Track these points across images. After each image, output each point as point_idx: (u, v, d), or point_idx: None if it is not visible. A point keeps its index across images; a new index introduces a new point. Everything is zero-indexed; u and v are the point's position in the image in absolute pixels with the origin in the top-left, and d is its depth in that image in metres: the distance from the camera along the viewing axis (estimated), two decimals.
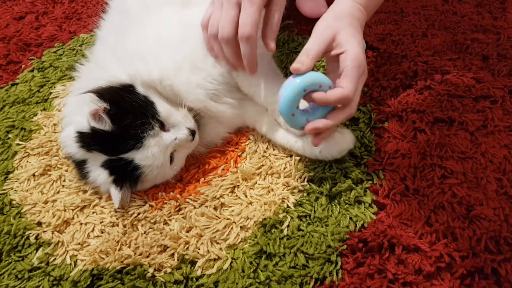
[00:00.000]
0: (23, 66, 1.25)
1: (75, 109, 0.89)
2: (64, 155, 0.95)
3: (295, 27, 1.27)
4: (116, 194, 0.87)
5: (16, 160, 1.02)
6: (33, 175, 0.98)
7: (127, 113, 0.84)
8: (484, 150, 0.92)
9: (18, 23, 1.38)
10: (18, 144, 1.05)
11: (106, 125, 0.83)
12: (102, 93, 0.85)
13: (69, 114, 0.93)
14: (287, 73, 1.13)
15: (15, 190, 0.96)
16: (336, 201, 0.88)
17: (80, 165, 0.88)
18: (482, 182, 0.87)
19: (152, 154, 0.85)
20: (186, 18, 0.98)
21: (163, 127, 0.87)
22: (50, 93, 1.16)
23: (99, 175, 0.87)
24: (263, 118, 0.99)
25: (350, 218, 0.85)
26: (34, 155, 1.02)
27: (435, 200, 0.86)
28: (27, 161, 1.02)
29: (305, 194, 0.90)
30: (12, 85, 1.21)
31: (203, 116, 0.96)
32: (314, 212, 0.86)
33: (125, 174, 0.86)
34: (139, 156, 0.85)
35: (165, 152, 0.87)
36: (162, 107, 0.88)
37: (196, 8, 0.98)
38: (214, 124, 1.00)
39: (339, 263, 0.79)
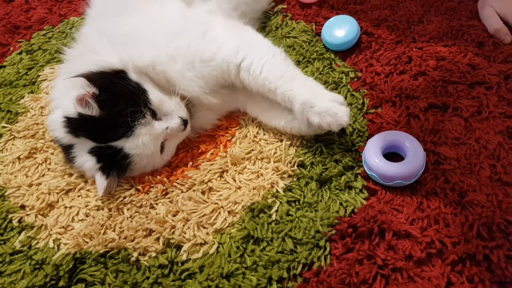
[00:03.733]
0: (11, 48, 1.23)
1: (64, 93, 0.87)
2: (50, 138, 0.93)
3: (289, 12, 1.24)
4: (101, 182, 0.85)
5: (1, 143, 1.00)
6: (18, 158, 0.96)
7: (118, 100, 0.82)
8: (478, 136, 0.90)
9: (8, 6, 1.35)
10: (3, 127, 1.03)
11: (93, 110, 0.80)
12: (92, 78, 0.82)
13: (57, 97, 0.91)
14: None
15: None
16: (326, 186, 0.86)
17: (67, 150, 0.86)
18: (476, 168, 0.86)
19: (143, 143, 0.83)
20: (191, 14, 0.97)
21: (155, 115, 0.85)
22: (38, 75, 1.14)
23: (86, 161, 0.85)
24: (254, 101, 0.97)
25: (340, 204, 0.83)
26: (20, 138, 1.00)
27: (427, 186, 0.84)
28: (13, 144, 1.00)
29: (295, 179, 0.88)
30: (0, 67, 1.18)
31: (194, 104, 0.94)
32: (304, 197, 0.84)
33: (113, 162, 0.84)
34: (129, 145, 0.82)
35: (156, 141, 0.85)
36: (155, 95, 0.85)
37: (199, 9, 0.98)
38: (206, 111, 0.98)
39: (328, 249, 0.77)
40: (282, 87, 0.87)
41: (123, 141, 0.82)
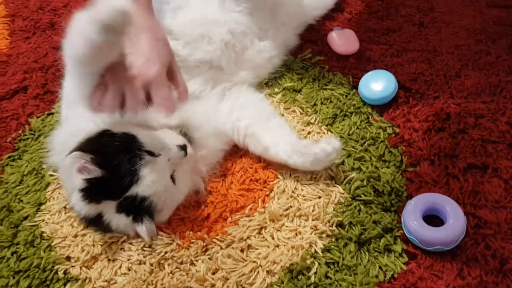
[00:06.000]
0: (59, 96, 1.28)
1: (68, 174, 0.89)
2: (82, 222, 0.95)
3: (326, 63, 1.26)
4: (141, 229, 0.87)
5: (48, 191, 1.04)
6: (64, 207, 1.00)
7: (113, 155, 0.85)
8: None
9: (57, 53, 1.42)
10: (51, 175, 1.07)
11: (96, 172, 0.83)
12: (83, 147, 0.86)
13: (66, 181, 0.94)
14: (316, 110, 1.13)
15: (46, 222, 0.98)
16: (365, 248, 0.86)
17: (99, 220, 0.89)
18: None
19: (151, 182, 0.85)
20: None
21: (152, 154, 0.87)
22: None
23: (119, 220, 0.88)
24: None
25: (380, 267, 0.83)
26: None
27: (468, 252, 0.84)
28: (59, 193, 1.03)
29: (333, 239, 0.88)
30: (48, 114, 1.24)
31: (188, 128, 0.97)
32: (343, 259, 0.85)
33: (138, 210, 0.86)
34: (140, 189, 0.85)
35: (164, 176, 0.87)
36: (144, 136, 0.88)
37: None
38: (203, 131, 1.00)
39: None
40: None
41: (134, 187, 0.85)
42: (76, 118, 0.96)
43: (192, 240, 0.91)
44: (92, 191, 0.86)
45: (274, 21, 1.23)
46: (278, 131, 1.03)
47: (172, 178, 0.90)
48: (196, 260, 0.88)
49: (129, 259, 0.90)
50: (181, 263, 0.88)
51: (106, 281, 0.87)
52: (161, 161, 0.87)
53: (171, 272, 0.87)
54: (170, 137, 0.91)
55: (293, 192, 0.98)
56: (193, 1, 1.13)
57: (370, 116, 1.10)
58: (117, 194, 0.85)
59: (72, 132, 0.92)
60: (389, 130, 1.06)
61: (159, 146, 0.88)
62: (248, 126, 1.03)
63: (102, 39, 0.80)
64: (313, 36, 1.34)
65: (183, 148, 0.89)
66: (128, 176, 0.84)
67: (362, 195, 0.94)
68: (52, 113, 1.24)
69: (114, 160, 0.84)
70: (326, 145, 0.94)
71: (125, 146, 0.86)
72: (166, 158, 0.87)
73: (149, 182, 0.85)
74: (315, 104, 1.16)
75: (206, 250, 0.90)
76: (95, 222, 0.90)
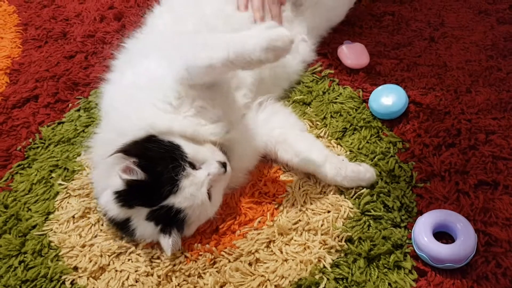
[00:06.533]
0: (70, 105, 1.29)
1: (106, 174, 0.91)
2: (106, 221, 0.96)
3: (336, 77, 1.26)
4: (166, 242, 0.87)
5: (57, 200, 1.04)
6: (73, 217, 1.00)
7: (157, 161, 0.86)
8: None
9: (68, 62, 1.43)
10: (60, 184, 1.07)
11: (138, 175, 0.84)
12: (128, 150, 0.87)
13: (100, 181, 0.95)
14: (326, 123, 1.13)
15: (54, 232, 0.98)
16: (374, 264, 0.86)
17: (125, 225, 0.89)
18: None
19: (190, 194, 0.86)
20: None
21: (193, 166, 0.88)
22: (95, 133, 1.19)
23: (146, 228, 0.88)
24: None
25: (389, 284, 0.82)
26: (75, 196, 1.04)
27: (478, 270, 0.83)
28: (68, 202, 1.04)
29: (342, 255, 0.88)
30: (59, 123, 1.24)
31: (229, 146, 0.97)
32: (352, 275, 0.84)
33: (170, 221, 0.86)
34: (178, 200, 0.85)
35: (202, 190, 0.87)
36: (188, 148, 0.89)
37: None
38: (243, 149, 1.01)
39: None
40: None
41: (172, 198, 0.85)
42: (127, 115, 0.95)
43: (200, 253, 0.91)
44: (128, 195, 0.86)
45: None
46: (310, 142, 1.06)
47: (209, 194, 0.90)
48: (204, 273, 0.88)
49: (136, 271, 0.89)
50: (189, 275, 0.87)
51: None
52: (201, 175, 0.87)
53: (178, 284, 0.87)
54: (212, 153, 0.92)
55: (302, 206, 0.97)
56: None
57: (380, 131, 1.10)
58: (154, 202, 0.85)
59: (118, 131, 0.93)
60: (399, 145, 1.06)
61: (201, 159, 0.89)
62: (281, 133, 1.05)
63: None
64: (323, 49, 1.34)
65: (224, 165, 0.90)
66: (168, 185, 0.84)
67: (372, 210, 0.94)
68: (63, 122, 1.25)
69: (157, 167, 0.85)
70: (364, 169, 0.98)
71: (169, 155, 0.86)
72: (206, 173, 0.88)
73: (188, 194, 0.85)
74: (324, 118, 1.16)
75: (214, 263, 0.89)
76: (120, 226, 0.91)
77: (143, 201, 0.86)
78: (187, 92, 0.92)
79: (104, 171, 0.91)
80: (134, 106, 0.93)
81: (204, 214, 0.91)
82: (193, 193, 0.86)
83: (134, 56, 1.09)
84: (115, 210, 0.88)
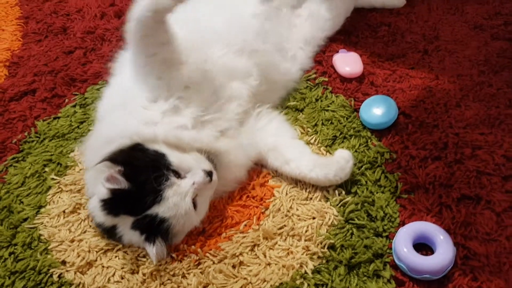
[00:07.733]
0: (66, 100, 1.31)
1: (94, 181, 0.93)
2: (94, 224, 0.98)
3: (330, 85, 1.28)
4: (151, 250, 0.88)
5: (49, 195, 1.06)
6: (63, 211, 1.02)
7: (141, 170, 0.87)
8: (509, 234, 0.91)
9: (67, 57, 1.45)
10: (53, 179, 1.09)
11: (122, 184, 0.85)
12: (114, 158, 0.89)
13: (91, 186, 0.98)
14: (317, 130, 1.15)
15: (45, 226, 1.00)
16: (354, 272, 0.88)
17: (112, 232, 0.91)
18: (505, 268, 0.86)
19: (174, 204, 0.87)
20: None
21: (179, 175, 0.89)
22: (89, 130, 1.21)
23: (132, 236, 0.90)
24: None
25: None
26: (67, 191, 1.07)
27: (455, 282, 0.85)
28: (59, 197, 1.06)
29: (324, 261, 0.90)
30: (54, 118, 1.26)
31: (216, 154, 0.99)
32: (332, 281, 0.86)
33: (154, 230, 0.88)
34: (162, 209, 0.86)
35: (186, 200, 0.88)
36: (173, 156, 0.90)
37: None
38: (233, 157, 1.03)
39: None
40: None
41: (155, 207, 0.86)
42: (114, 122, 0.98)
43: (186, 254, 0.93)
44: (113, 203, 0.87)
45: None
46: (300, 149, 1.08)
47: (194, 203, 0.91)
48: (188, 273, 0.90)
49: (122, 268, 0.92)
50: (173, 275, 0.89)
51: (98, 287, 0.89)
52: (185, 184, 0.89)
53: (162, 283, 0.89)
54: (198, 161, 0.93)
55: (288, 211, 0.99)
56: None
57: (369, 140, 1.12)
58: (138, 211, 0.87)
59: (106, 138, 0.95)
60: (387, 156, 1.08)
61: (186, 168, 0.90)
62: (274, 140, 1.08)
63: None
64: (318, 57, 1.36)
65: (209, 174, 0.91)
66: (151, 194, 0.86)
67: (356, 219, 0.96)
68: (59, 117, 1.26)
69: (141, 176, 0.86)
70: (342, 153, 1.02)
71: (153, 163, 0.88)
72: (191, 182, 0.89)
73: (171, 204, 0.87)
74: (316, 125, 1.18)
75: (199, 264, 0.92)
76: (108, 232, 0.93)
77: (128, 210, 0.87)
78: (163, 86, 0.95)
79: (93, 178, 0.94)
80: (120, 113, 0.95)
81: (189, 223, 0.92)
82: (177, 203, 0.87)
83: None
84: (102, 217, 0.90)
